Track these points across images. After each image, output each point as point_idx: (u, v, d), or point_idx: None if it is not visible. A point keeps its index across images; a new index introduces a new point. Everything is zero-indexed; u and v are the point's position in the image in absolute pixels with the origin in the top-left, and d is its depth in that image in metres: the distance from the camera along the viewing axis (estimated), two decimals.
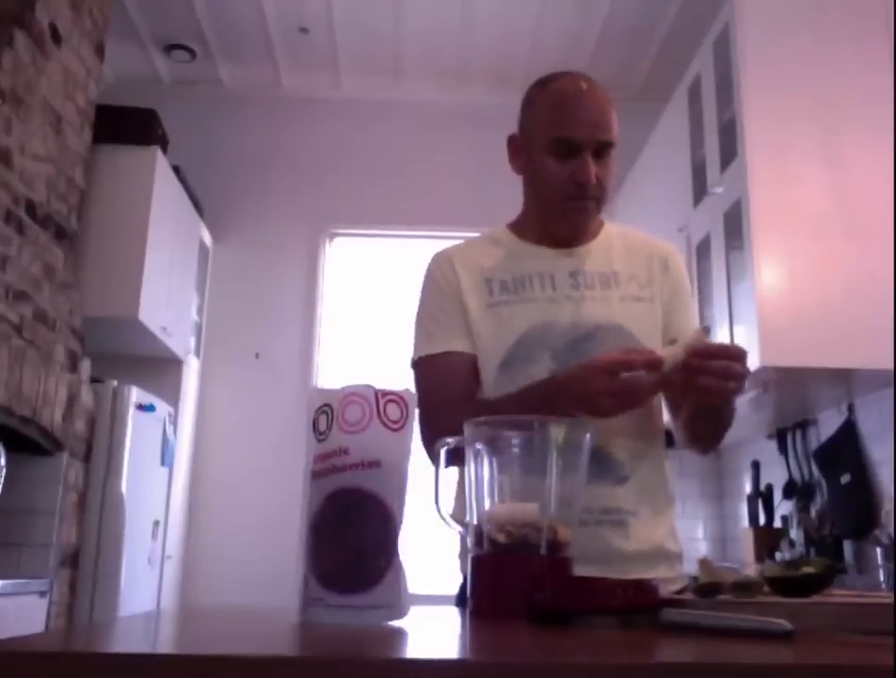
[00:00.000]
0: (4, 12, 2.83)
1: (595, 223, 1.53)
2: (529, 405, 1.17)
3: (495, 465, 1.00)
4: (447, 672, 0.56)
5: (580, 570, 1.00)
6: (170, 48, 4.50)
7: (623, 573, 1.23)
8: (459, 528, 1.06)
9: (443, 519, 1.08)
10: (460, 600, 1.39)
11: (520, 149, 1.50)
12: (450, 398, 1.40)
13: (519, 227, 1.55)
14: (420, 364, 1.48)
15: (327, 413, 0.88)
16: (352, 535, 0.85)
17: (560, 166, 1.42)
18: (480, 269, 1.48)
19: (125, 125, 3.87)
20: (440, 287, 1.50)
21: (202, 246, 4.51)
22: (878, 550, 2.75)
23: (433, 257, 1.55)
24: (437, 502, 1.08)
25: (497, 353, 1.42)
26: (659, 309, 1.48)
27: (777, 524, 3.49)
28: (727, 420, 1.43)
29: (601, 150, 1.42)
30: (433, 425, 1.26)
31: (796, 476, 3.41)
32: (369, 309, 4.61)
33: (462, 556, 1.44)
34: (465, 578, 1.42)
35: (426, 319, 1.50)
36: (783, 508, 3.47)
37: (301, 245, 4.70)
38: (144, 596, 3.61)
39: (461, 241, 1.60)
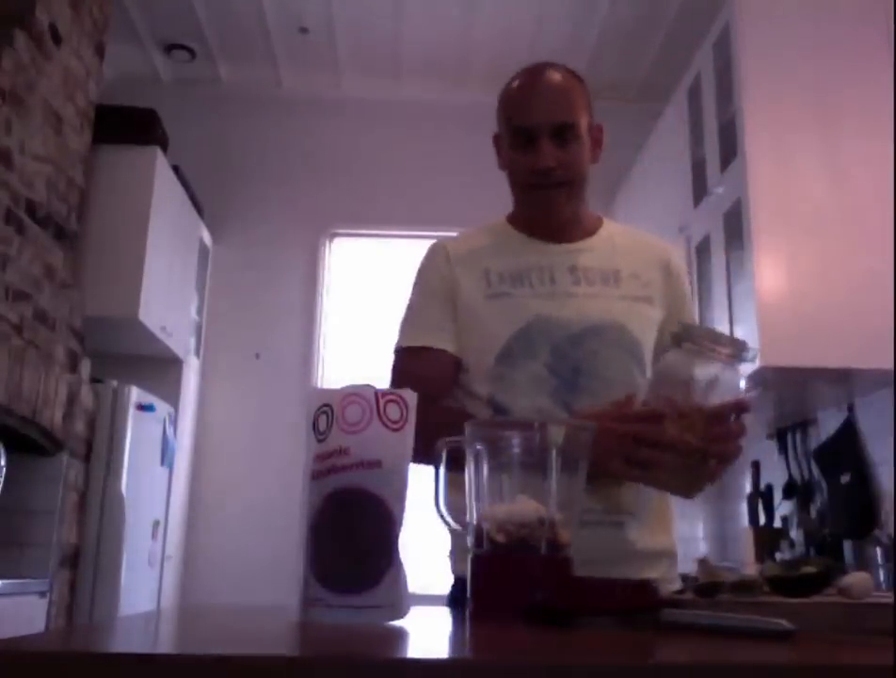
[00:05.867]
0: (4, 12, 2.83)
1: (590, 218, 1.52)
2: None
3: (495, 465, 1.00)
4: (447, 672, 0.56)
5: (582, 571, 0.99)
6: (170, 48, 4.50)
7: (624, 573, 1.23)
8: (458, 527, 1.06)
9: (442, 518, 1.08)
10: (452, 600, 1.39)
11: (500, 147, 1.51)
12: (423, 394, 1.31)
13: (515, 220, 1.53)
14: (398, 355, 1.47)
15: (327, 413, 0.88)
16: (352, 535, 0.85)
17: (522, 156, 1.41)
18: (478, 260, 1.46)
19: (125, 125, 3.87)
20: (429, 284, 1.48)
21: (202, 246, 4.51)
22: (878, 550, 2.75)
23: (429, 249, 1.53)
24: (437, 501, 1.08)
25: (496, 343, 1.39)
26: (659, 312, 1.46)
27: (777, 524, 3.48)
28: None
29: (562, 132, 1.39)
30: None
31: (796, 476, 3.41)
32: (369, 309, 4.61)
33: (453, 555, 1.44)
34: (456, 578, 1.43)
35: (412, 313, 1.48)
36: (783, 508, 3.47)
37: (301, 245, 4.70)
38: (144, 596, 3.61)
39: (459, 233, 1.59)
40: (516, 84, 1.47)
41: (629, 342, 1.40)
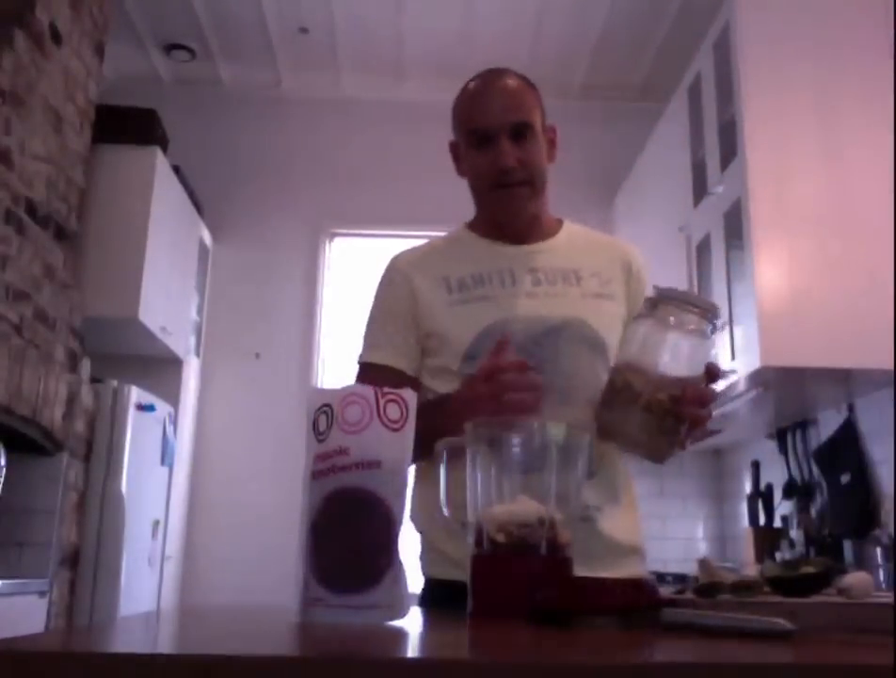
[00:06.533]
0: (4, 12, 2.83)
1: (550, 221, 1.55)
2: (429, 421, 1.06)
3: (495, 465, 1.00)
4: (447, 672, 0.56)
5: None
6: (170, 48, 4.50)
7: (594, 568, 1.21)
8: (461, 526, 1.06)
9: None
10: (423, 601, 1.40)
11: (458, 154, 1.55)
12: None
13: (476, 226, 1.56)
14: (358, 367, 1.51)
15: (327, 413, 0.88)
16: (352, 535, 0.85)
17: (481, 157, 1.45)
18: (437, 269, 1.48)
19: (125, 125, 3.86)
20: (384, 302, 1.52)
21: (202, 246, 4.51)
22: (878, 550, 2.76)
23: (388, 263, 1.56)
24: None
25: (460, 347, 1.41)
26: (622, 308, 1.48)
27: (777, 524, 3.49)
28: None
29: (519, 131, 1.43)
30: None
31: (796, 476, 3.41)
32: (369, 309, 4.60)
33: (423, 557, 1.45)
34: (426, 580, 1.43)
35: (370, 328, 1.52)
36: (783, 508, 3.47)
37: (301, 245, 4.69)
38: (144, 596, 3.61)
39: (421, 243, 1.61)
40: (470, 89, 1.50)
41: (592, 339, 1.42)
